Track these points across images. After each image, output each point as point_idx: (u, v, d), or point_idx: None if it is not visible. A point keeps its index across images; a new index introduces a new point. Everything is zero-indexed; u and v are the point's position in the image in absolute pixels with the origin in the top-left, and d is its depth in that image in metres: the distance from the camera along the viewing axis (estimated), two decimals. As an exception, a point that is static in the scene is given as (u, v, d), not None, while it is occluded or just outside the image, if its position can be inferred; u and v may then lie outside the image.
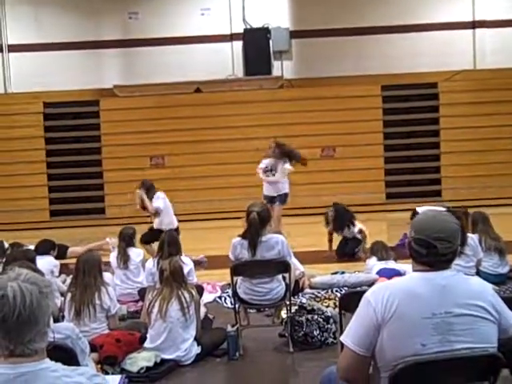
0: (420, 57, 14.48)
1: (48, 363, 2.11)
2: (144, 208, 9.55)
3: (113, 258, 7.75)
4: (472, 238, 7.18)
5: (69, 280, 6.47)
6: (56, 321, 4.72)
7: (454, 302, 2.77)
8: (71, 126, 14.53)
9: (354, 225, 9.32)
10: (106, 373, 5.07)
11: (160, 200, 9.44)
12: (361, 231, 9.28)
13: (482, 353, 2.76)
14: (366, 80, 14.33)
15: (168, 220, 9.41)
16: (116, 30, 14.87)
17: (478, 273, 6.99)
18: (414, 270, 2.94)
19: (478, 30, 14.79)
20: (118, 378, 3.21)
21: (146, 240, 9.30)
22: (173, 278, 5.65)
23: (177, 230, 9.05)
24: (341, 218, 9.35)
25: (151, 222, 9.52)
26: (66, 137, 14.48)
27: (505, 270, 7.70)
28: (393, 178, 14.48)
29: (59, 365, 2.14)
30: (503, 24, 14.65)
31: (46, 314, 2.10)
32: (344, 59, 14.53)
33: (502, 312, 2.87)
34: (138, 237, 8.19)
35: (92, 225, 13.64)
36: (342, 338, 2.91)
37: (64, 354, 3.33)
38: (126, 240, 7.78)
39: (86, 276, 5.77)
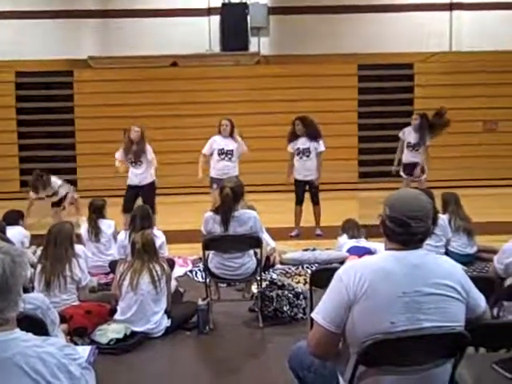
0: (397, 37, 14.49)
1: (19, 333, 2.11)
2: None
3: (84, 230, 7.70)
4: (442, 218, 7.27)
5: (39, 251, 6.42)
6: (26, 291, 4.69)
7: (425, 281, 2.80)
8: (44, 96, 14.31)
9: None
10: (76, 344, 5.06)
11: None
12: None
13: (450, 331, 2.81)
14: (342, 59, 14.31)
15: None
16: (93, 0, 14.63)
17: (447, 252, 7.08)
18: (387, 249, 2.96)
19: (455, 12, 14.82)
20: (88, 348, 3.22)
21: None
22: (144, 251, 5.65)
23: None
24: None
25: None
26: (38, 107, 14.27)
27: (473, 250, 7.83)
28: (366, 158, 14.56)
29: (30, 335, 2.13)
30: (480, 7, 14.68)
31: (19, 284, 2.09)
32: (321, 37, 14.46)
33: (471, 292, 2.92)
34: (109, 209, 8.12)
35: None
36: (312, 315, 2.93)
37: (34, 325, 3.32)
38: (97, 212, 7.74)
39: (57, 247, 5.73)
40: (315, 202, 9.54)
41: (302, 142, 9.51)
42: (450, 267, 2.94)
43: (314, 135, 9.50)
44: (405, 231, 2.86)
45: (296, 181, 9.60)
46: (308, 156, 9.47)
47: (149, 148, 9.35)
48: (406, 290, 2.77)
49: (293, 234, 9.54)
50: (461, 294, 2.85)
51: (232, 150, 9.50)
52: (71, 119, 14.32)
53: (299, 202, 9.58)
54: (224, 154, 9.52)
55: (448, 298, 2.82)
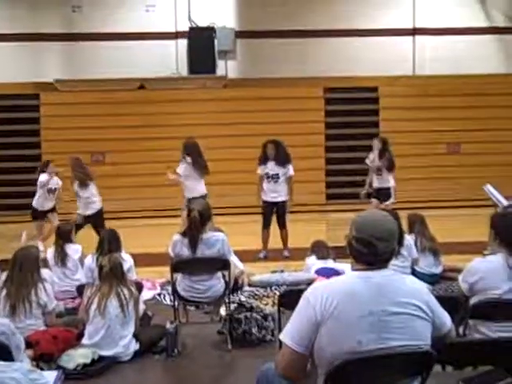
0: (362, 61, 14.71)
1: (-17, 358, 2.08)
2: None
3: (50, 255, 7.61)
4: (408, 238, 7.34)
5: (4, 276, 6.32)
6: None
7: (391, 301, 2.83)
8: (9, 119, 14.19)
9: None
10: (42, 369, 4.99)
11: None
12: None
13: (416, 350, 2.83)
14: (308, 82, 14.48)
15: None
16: (59, 23, 14.58)
17: (414, 272, 7.14)
18: (353, 269, 2.99)
19: (418, 37, 15.12)
20: (54, 373, 3.17)
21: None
22: (112, 275, 5.61)
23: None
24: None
25: None
26: (2, 130, 14.14)
27: (438, 269, 7.91)
28: (333, 179, 14.68)
29: (-5, 359, 2.11)
30: (443, 32, 15.00)
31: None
32: (288, 61, 14.63)
33: (436, 311, 2.95)
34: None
35: (30, 220, 13.35)
36: (280, 336, 2.94)
37: (-1, 350, 3.27)
38: (64, 237, 7.66)
39: (23, 272, 5.65)
40: (282, 225, 9.58)
41: (271, 167, 9.57)
42: (415, 286, 2.97)
43: (283, 161, 9.57)
44: (371, 252, 2.90)
45: (264, 202, 9.63)
46: (276, 181, 9.54)
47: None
48: (373, 309, 2.79)
49: (261, 255, 9.56)
50: (426, 312, 2.89)
51: None
52: (38, 142, 14.20)
53: (267, 225, 9.61)
54: None
55: (414, 316, 2.85)
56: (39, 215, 10.52)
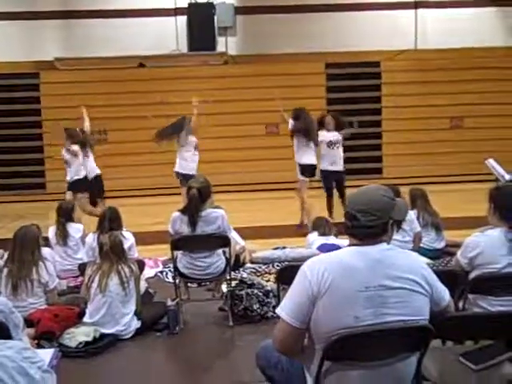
0: (364, 36, 14.59)
1: (-22, 336, 2.08)
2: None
3: (51, 233, 7.61)
4: (409, 213, 7.32)
5: (6, 255, 6.33)
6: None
7: (387, 276, 2.82)
8: (9, 98, 14.15)
9: None
10: (43, 348, 5.01)
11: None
12: None
13: (414, 325, 2.83)
14: (310, 57, 14.38)
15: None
16: (58, 1, 14.48)
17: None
18: (349, 245, 2.99)
19: (420, 11, 14.98)
20: (50, 351, 3.18)
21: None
22: (112, 253, 5.62)
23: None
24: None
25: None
26: (3, 110, 14.11)
27: (441, 245, 7.90)
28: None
29: (-12, 338, 2.11)
30: (445, 4, 14.86)
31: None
32: (288, 36, 14.51)
33: (434, 285, 2.94)
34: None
35: (32, 200, 13.39)
36: (277, 311, 2.94)
37: (-3, 329, 3.28)
38: (65, 215, 7.64)
39: (24, 250, 5.68)
40: None
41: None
42: (412, 261, 2.96)
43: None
44: (354, 225, 2.93)
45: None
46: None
47: None
48: (369, 284, 2.78)
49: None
50: (424, 287, 2.88)
51: None
52: (39, 121, 14.17)
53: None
54: None
55: (411, 291, 2.84)
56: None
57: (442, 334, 3.22)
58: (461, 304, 4.09)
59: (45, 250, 6.09)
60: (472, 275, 4.13)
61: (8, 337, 3.19)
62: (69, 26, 14.49)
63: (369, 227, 2.89)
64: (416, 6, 14.98)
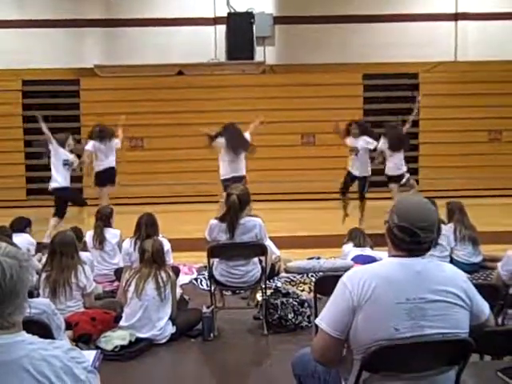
0: (402, 47, 14.52)
1: (25, 336, 2.12)
2: None
3: (89, 237, 7.68)
4: (445, 228, 7.26)
5: (44, 259, 6.42)
6: (31, 296, 4.71)
7: (428, 288, 2.80)
8: (50, 104, 14.37)
9: None
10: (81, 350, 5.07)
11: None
12: None
13: (454, 338, 2.80)
14: (347, 68, 14.36)
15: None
16: (98, 9, 14.69)
17: (452, 262, 7.07)
18: (390, 256, 2.97)
19: (460, 22, 14.87)
20: (93, 352, 3.23)
21: None
22: (154, 259, 5.66)
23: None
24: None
25: None
26: (44, 115, 14.31)
27: (478, 259, 7.82)
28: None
29: (36, 338, 2.15)
30: (485, 17, 14.72)
31: (26, 288, 2.11)
32: (326, 47, 14.52)
33: (474, 299, 2.91)
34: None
35: (69, 204, 13.54)
36: (317, 321, 2.94)
37: (39, 329, 3.33)
38: (104, 219, 7.72)
39: (64, 257, 5.72)
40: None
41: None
42: (453, 274, 2.94)
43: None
44: (413, 241, 2.86)
45: None
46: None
47: None
48: (410, 296, 2.77)
49: None
50: (464, 300, 2.85)
51: None
52: (78, 127, 14.37)
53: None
54: None
55: (451, 304, 2.82)
56: None
57: (480, 349, 3.19)
58: (500, 319, 4.05)
59: (83, 254, 6.17)
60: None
61: (51, 338, 3.24)
62: (110, 34, 14.71)
63: (424, 243, 2.88)
64: (456, 17, 14.87)
